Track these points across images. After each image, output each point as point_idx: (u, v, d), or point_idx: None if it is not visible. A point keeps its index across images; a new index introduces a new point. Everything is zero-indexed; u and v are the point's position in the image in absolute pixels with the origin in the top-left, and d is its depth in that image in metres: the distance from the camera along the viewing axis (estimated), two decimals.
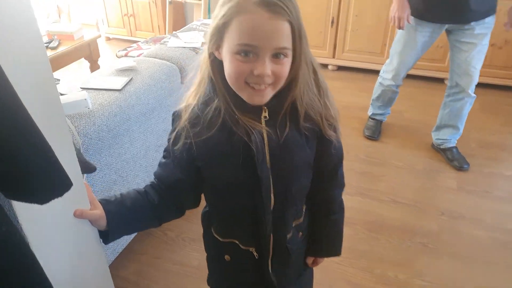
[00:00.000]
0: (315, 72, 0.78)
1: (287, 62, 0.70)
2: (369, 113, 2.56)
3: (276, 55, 0.68)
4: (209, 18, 3.67)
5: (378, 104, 2.47)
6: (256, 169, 0.76)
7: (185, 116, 0.79)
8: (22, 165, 0.48)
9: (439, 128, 2.30)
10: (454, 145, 2.27)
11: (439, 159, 2.29)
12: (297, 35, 0.68)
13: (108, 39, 4.30)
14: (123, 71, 1.53)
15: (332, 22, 3.24)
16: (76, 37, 2.76)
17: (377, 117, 2.54)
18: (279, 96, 0.75)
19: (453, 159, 2.22)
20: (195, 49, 1.80)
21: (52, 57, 2.52)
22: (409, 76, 3.15)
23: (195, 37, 1.91)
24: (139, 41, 2.86)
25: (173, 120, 0.83)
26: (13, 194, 0.52)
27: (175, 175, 0.83)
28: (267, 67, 0.68)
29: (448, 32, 2.06)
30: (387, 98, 2.41)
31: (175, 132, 0.80)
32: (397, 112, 2.76)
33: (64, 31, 2.74)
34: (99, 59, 3.00)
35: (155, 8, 3.86)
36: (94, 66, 2.96)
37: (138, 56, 2.56)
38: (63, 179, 0.54)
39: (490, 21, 1.93)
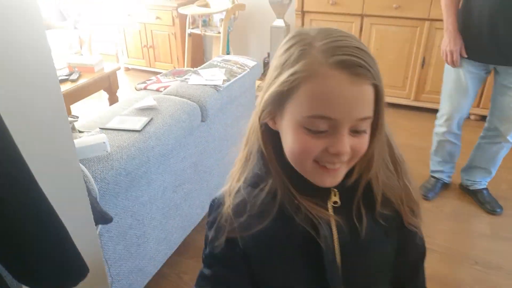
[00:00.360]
0: (389, 144, 0.64)
1: (367, 135, 0.57)
2: (430, 169, 2.29)
3: (356, 128, 0.54)
4: (228, 51, 3.69)
5: (437, 159, 2.21)
6: (324, 273, 0.59)
7: (228, 203, 0.62)
8: (32, 252, 0.42)
9: (469, 168, 2.17)
10: (485, 186, 2.15)
11: (469, 201, 2.16)
12: (381, 101, 0.55)
13: (127, 69, 4.35)
14: (143, 110, 1.49)
15: None
16: (97, 69, 2.78)
17: (436, 175, 2.24)
18: (351, 175, 0.60)
19: (484, 202, 2.10)
20: (216, 87, 1.76)
21: (72, 90, 2.53)
22: (427, 110, 3.08)
23: (216, 74, 1.88)
24: (158, 74, 2.87)
25: (211, 209, 0.67)
26: (22, 279, 0.46)
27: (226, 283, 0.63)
28: (347, 144, 0.53)
29: (496, 72, 1.89)
30: (445, 152, 2.15)
31: (215, 225, 0.64)
32: (420, 149, 2.66)
33: (85, 63, 2.76)
34: (118, 90, 3.01)
35: (174, 40, 3.90)
36: (112, 98, 2.96)
37: (157, 89, 2.55)
38: (78, 266, 0.47)
39: None
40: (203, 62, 4.34)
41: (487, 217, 2.05)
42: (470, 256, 1.83)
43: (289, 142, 0.57)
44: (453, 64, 1.88)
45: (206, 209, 2.09)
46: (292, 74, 0.53)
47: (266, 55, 3.98)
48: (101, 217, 0.97)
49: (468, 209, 2.11)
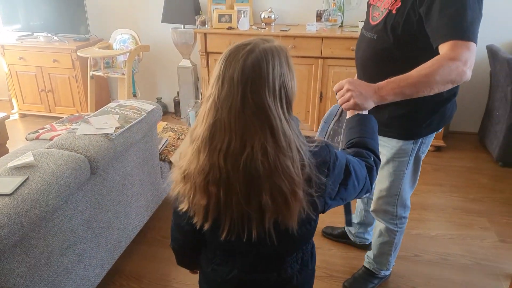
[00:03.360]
0: None
1: None
2: None
3: None
4: (134, 92, 3.59)
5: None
6: None
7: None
8: None
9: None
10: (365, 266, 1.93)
11: None
12: None
13: (24, 115, 4.00)
14: (18, 169, 1.35)
15: None
16: None
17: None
18: None
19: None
20: (107, 135, 1.68)
21: None
22: None
23: (109, 121, 1.79)
24: (54, 121, 2.67)
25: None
26: None
27: None
28: None
29: None
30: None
31: None
32: None
33: None
34: (7, 141, 2.73)
35: (75, 83, 3.70)
36: (1, 150, 2.67)
37: (50, 138, 2.36)
38: None
39: (393, 144, 1.52)
40: None
41: None
42: None
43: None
44: None
45: (108, 268, 1.93)
46: None
47: (176, 95, 3.96)
48: None
49: None
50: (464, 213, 2.42)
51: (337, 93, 1.12)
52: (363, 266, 1.94)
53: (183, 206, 0.87)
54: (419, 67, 1.16)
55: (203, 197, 0.82)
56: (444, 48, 1.16)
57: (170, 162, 2.39)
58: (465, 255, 2.07)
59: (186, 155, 0.85)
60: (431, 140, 1.54)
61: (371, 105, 1.10)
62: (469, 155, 3.16)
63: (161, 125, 2.69)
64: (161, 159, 2.34)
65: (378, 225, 1.76)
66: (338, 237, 2.19)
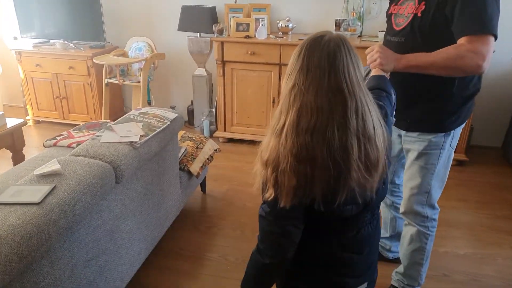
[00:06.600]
0: None
1: None
2: None
3: None
4: (149, 100, 3.56)
5: None
6: None
7: None
8: None
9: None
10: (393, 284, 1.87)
11: None
12: None
13: (37, 122, 3.98)
14: (45, 177, 1.30)
15: (273, 102, 3.28)
16: None
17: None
18: None
19: None
20: (132, 144, 1.63)
21: None
22: None
23: (133, 129, 1.75)
24: (70, 129, 2.63)
25: None
26: None
27: None
28: None
29: None
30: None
31: None
32: None
33: None
34: (24, 148, 2.69)
35: (90, 90, 3.68)
36: (17, 157, 2.63)
37: (68, 145, 2.32)
38: None
39: (424, 137, 1.53)
40: (123, 112, 4.14)
41: None
42: None
43: None
44: None
45: (127, 281, 1.86)
46: None
47: (190, 103, 3.93)
48: None
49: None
50: (493, 231, 2.33)
51: (368, 54, 1.32)
52: (391, 285, 1.85)
53: (269, 194, 0.91)
54: (440, 50, 1.29)
55: (291, 178, 0.86)
56: (463, 41, 1.28)
57: (189, 172, 2.33)
58: (497, 276, 1.99)
59: (267, 146, 0.91)
60: (459, 133, 1.59)
61: (391, 68, 1.31)
62: (492, 170, 3.08)
63: (180, 133, 2.65)
64: (180, 169, 2.29)
65: (409, 231, 1.70)
66: None
